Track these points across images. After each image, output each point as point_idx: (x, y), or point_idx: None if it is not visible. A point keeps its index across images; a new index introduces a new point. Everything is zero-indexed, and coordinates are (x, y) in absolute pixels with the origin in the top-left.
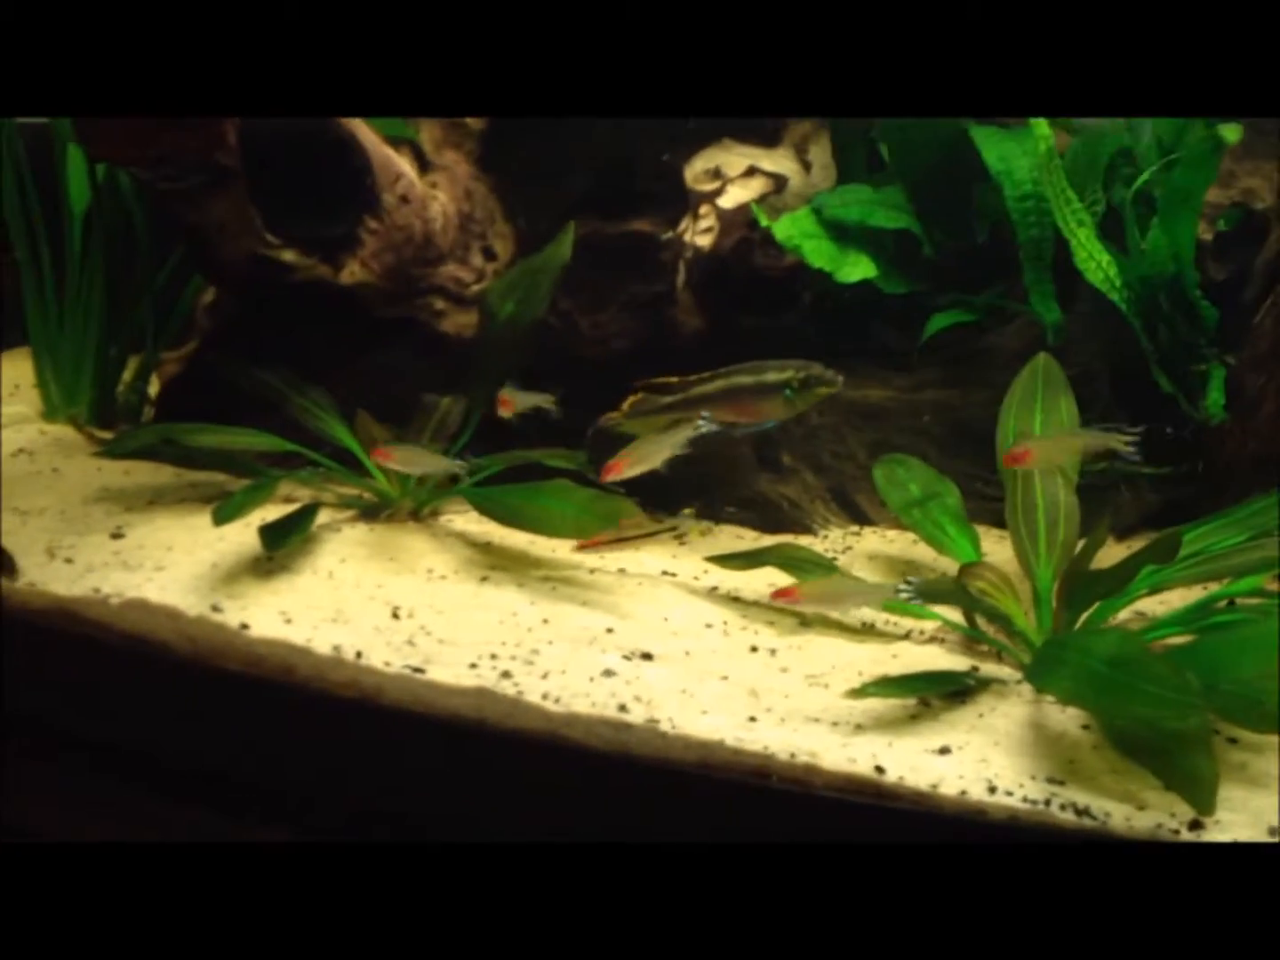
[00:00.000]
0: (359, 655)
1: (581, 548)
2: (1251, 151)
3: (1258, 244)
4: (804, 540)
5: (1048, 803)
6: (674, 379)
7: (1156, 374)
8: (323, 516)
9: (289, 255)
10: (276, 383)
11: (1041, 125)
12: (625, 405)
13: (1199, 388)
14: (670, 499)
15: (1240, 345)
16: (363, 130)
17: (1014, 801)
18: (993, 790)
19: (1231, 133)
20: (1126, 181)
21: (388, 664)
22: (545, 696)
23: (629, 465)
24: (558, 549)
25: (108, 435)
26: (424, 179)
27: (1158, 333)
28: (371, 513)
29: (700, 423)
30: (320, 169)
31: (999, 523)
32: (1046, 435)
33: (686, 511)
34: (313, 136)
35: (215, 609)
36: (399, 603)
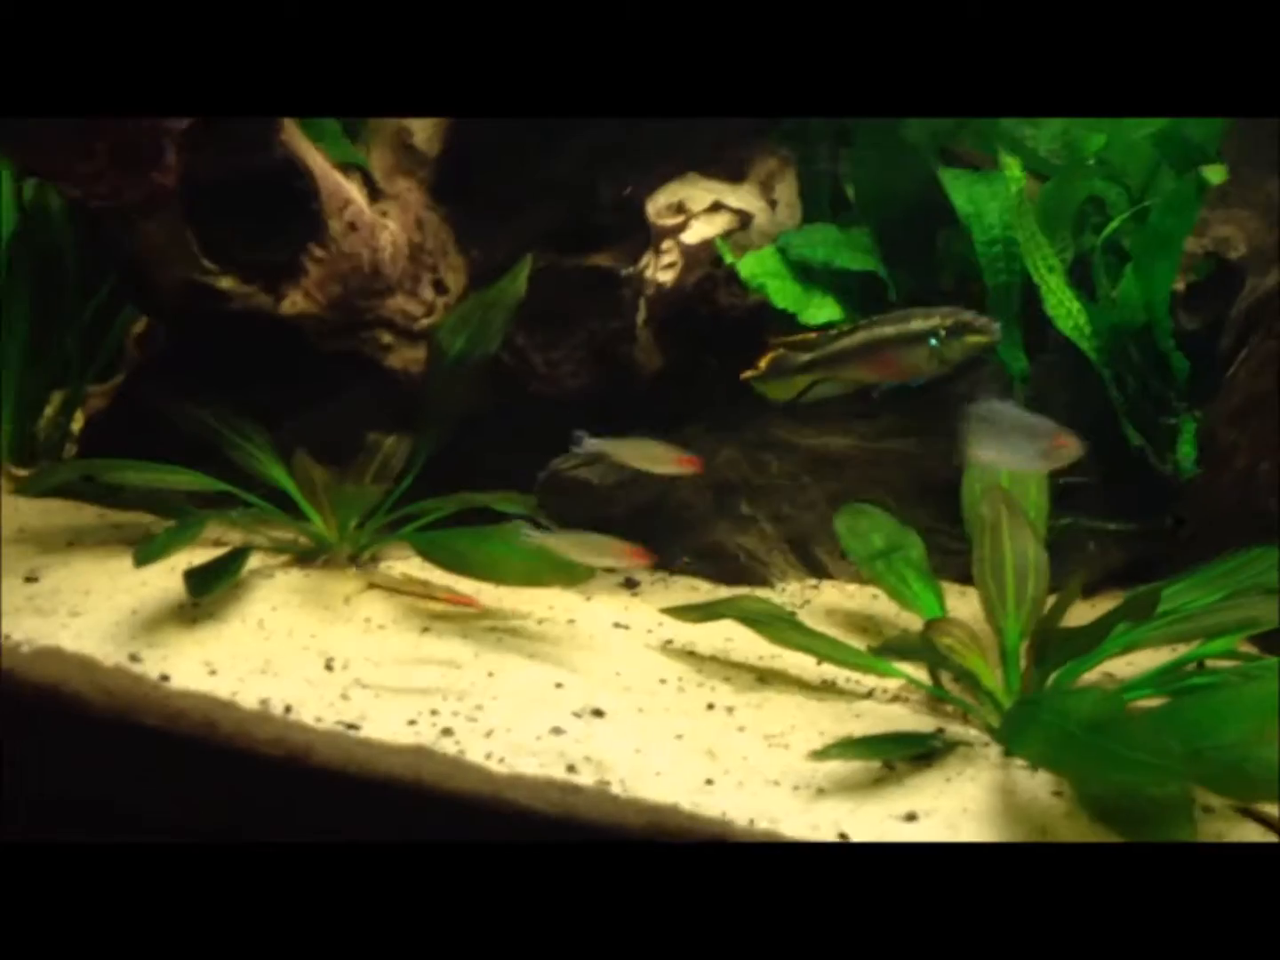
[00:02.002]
0: (288, 710)
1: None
2: (1224, 199)
3: (1231, 294)
4: (761, 593)
5: None
6: (812, 335)
7: (1125, 426)
8: (254, 561)
9: (226, 283)
10: (210, 419)
11: (1014, 167)
12: (762, 364)
13: (1169, 441)
14: None
15: (1212, 399)
16: (310, 153)
17: None
18: None
19: (1215, 174)
20: (1096, 229)
21: (319, 720)
22: (489, 756)
23: None
24: (505, 598)
25: (26, 473)
26: (374, 206)
27: (1127, 384)
28: (307, 558)
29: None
30: (263, 192)
31: (962, 578)
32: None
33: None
34: (256, 157)
35: (134, 658)
36: (333, 654)
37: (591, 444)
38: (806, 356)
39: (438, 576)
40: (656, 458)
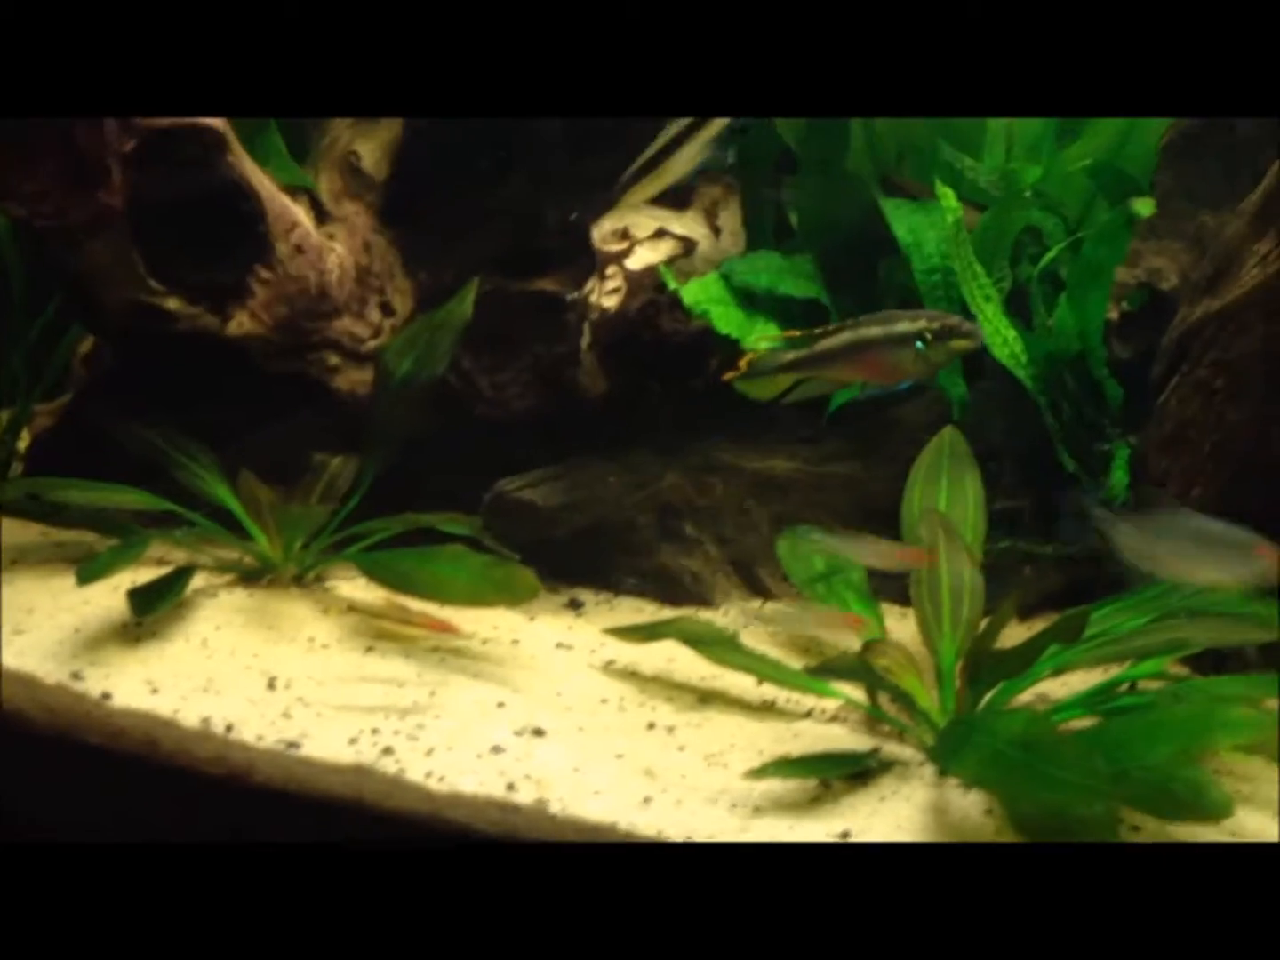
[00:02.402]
0: (229, 729)
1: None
2: (1156, 231)
3: (1164, 324)
4: (705, 614)
5: None
6: (796, 332)
7: (1060, 452)
8: (199, 580)
9: (172, 303)
10: (155, 438)
11: (950, 198)
12: (742, 363)
13: (1103, 467)
14: (568, 568)
15: (1145, 426)
16: (257, 176)
17: None
18: None
19: (1144, 206)
20: (1033, 259)
21: (260, 738)
22: (429, 775)
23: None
24: (450, 618)
25: None
26: (321, 229)
27: (1062, 411)
28: (252, 577)
29: None
30: (210, 213)
31: (903, 599)
32: None
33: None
34: (203, 179)
35: (76, 677)
36: (276, 673)
37: (821, 538)
38: (790, 355)
39: (381, 596)
40: (883, 554)
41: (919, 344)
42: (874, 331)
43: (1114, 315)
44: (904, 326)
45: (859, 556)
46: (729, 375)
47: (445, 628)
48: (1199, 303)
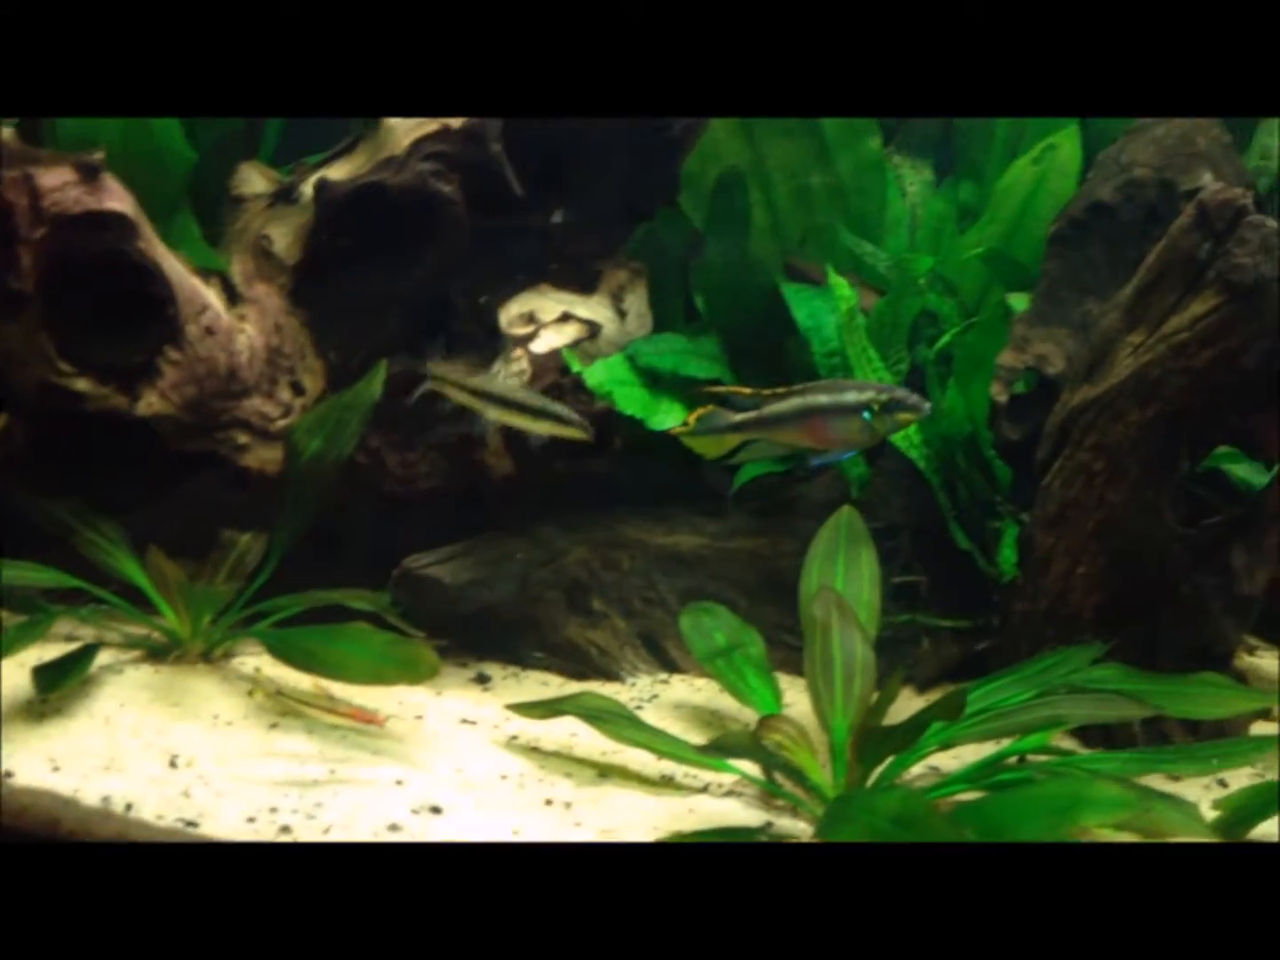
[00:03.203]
0: (129, 807)
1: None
2: (1044, 319)
3: (1050, 407)
4: (611, 687)
5: None
6: (746, 391)
7: (953, 530)
8: (105, 657)
9: (82, 384)
10: (64, 515)
11: (843, 287)
12: (691, 419)
13: (994, 544)
14: (476, 643)
15: (1033, 505)
16: (168, 260)
17: None
18: None
19: (1019, 301)
20: (930, 341)
21: (160, 817)
22: None
23: None
24: (357, 694)
25: None
26: (233, 311)
27: (956, 490)
28: (159, 654)
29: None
30: (120, 297)
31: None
32: None
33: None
34: (113, 263)
35: None
36: (178, 751)
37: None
38: (739, 416)
39: (287, 673)
40: None
41: (866, 414)
42: (822, 399)
43: (1003, 399)
44: (852, 396)
45: None
46: (677, 430)
47: (369, 718)
48: (1079, 389)
